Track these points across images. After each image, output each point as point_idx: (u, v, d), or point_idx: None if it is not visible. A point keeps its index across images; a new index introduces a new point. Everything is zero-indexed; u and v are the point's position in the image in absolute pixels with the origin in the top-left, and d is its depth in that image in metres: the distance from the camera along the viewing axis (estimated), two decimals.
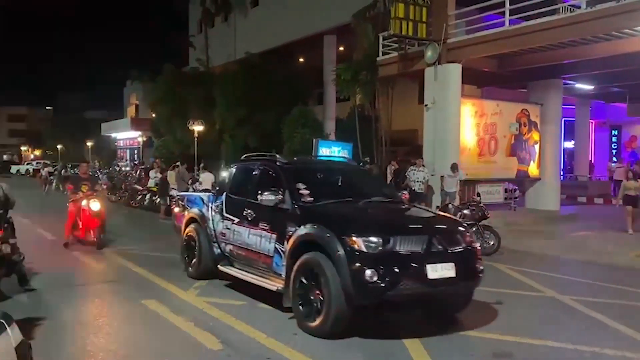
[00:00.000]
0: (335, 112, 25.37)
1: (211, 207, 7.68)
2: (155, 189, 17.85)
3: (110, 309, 6.61)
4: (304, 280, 5.53)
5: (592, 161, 27.05)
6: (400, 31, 14.08)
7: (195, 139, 23.97)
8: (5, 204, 6.95)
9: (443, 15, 14.31)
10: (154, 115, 33.70)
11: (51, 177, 28.49)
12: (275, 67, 24.55)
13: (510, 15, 13.32)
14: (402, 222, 6.15)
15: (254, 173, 7.18)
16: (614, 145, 29.02)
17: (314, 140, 17.87)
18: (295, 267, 5.63)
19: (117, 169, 31.68)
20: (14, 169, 52.85)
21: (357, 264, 5.10)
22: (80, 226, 10.32)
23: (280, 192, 6.25)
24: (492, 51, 14.12)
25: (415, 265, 5.26)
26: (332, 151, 17.47)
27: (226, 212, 7.31)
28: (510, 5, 13.17)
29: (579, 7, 12.28)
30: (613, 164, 24.22)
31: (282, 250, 6.03)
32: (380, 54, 16.55)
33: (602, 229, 13.87)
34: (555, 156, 17.75)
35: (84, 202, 10.23)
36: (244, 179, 7.36)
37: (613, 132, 28.99)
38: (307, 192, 6.26)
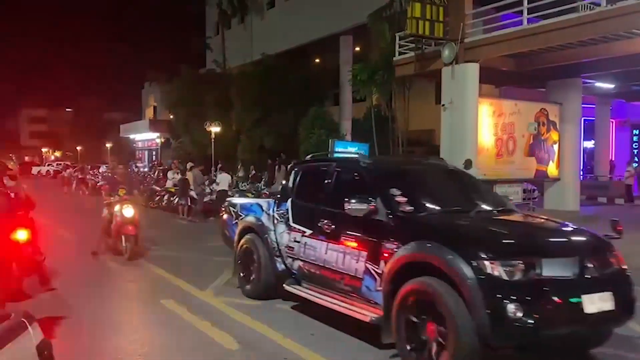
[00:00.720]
0: (352, 113, 25.32)
1: (272, 215, 6.64)
2: (173, 190, 17.99)
3: (130, 309, 6.68)
4: (412, 316, 4.47)
5: (613, 161, 26.62)
6: (416, 31, 14.01)
7: (213, 140, 24.14)
8: (27, 205, 7.08)
9: (460, 15, 14.20)
10: (171, 116, 34.03)
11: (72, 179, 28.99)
12: (292, 68, 24.61)
13: (528, 13, 13.18)
14: (543, 239, 4.83)
15: (328, 176, 6.01)
16: (635, 145, 28.53)
17: (330, 140, 17.87)
18: (399, 296, 4.55)
19: (136, 170, 32.04)
20: (34, 170, 53.68)
21: (496, 296, 4.04)
22: (113, 234, 9.53)
23: (370, 199, 5.15)
24: (510, 50, 13.97)
25: (569, 297, 4.22)
26: (348, 152, 17.47)
27: (293, 222, 6.26)
28: (528, 3, 13.03)
29: (599, 5, 12.10)
30: (635, 165, 23.82)
31: (376, 272, 4.96)
32: (397, 53, 16.48)
33: (623, 230, 13.59)
34: (575, 156, 17.51)
35: (116, 208, 9.47)
36: (315, 182, 6.21)
37: (634, 131, 28.50)
38: (404, 199, 5.14)
